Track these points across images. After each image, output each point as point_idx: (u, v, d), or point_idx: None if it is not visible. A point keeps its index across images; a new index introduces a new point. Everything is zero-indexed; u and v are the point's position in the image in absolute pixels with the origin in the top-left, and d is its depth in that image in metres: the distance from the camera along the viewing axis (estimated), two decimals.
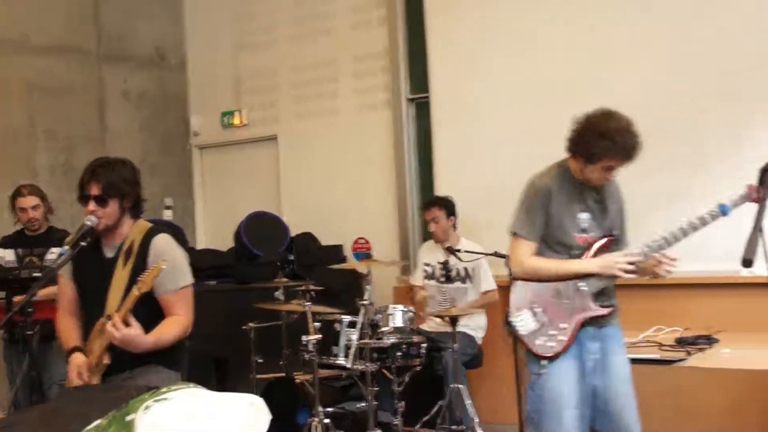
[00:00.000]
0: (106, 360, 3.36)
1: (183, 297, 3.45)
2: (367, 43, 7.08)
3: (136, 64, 7.79)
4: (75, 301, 3.58)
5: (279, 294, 5.71)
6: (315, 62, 7.41)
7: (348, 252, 7.11)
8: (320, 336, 4.90)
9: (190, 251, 7.11)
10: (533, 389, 3.55)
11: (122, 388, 2.78)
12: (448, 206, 5.79)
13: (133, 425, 1.72)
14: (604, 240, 3.57)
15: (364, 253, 6.99)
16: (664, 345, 4.50)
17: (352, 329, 4.98)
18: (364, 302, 4.98)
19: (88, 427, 1.86)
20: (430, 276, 5.85)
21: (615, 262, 3.46)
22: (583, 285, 3.50)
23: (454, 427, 5.03)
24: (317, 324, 4.96)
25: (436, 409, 5.10)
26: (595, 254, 3.54)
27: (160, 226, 3.60)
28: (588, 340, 3.53)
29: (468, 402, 4.96)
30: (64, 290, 3.60)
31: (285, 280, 5.81)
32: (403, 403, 4.95)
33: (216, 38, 8.05)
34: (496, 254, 5.08)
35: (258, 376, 5.72)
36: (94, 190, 3.40)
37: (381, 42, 6.98)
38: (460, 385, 4.97)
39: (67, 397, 2.77)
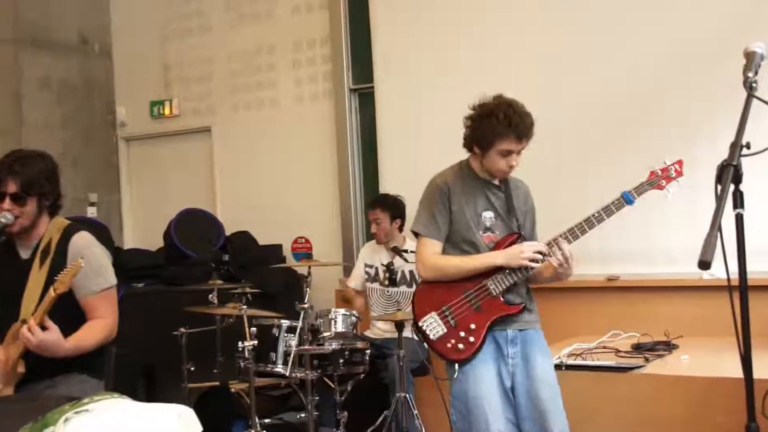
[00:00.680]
0: (21, 368, 3.28)
1: (105, 299, 3.40)
2: (308, 29, 7.05)
3: (57, 50, 7.65)
4: None
5: (213, 297, 5.65)
6: (252, 49, 7.36)
7: (287, 252, 7.07)
8: (257, 342, 4.87)
9: (117, 251, 7.04)
10: (455, 396, 3.59)
11: (39, 398, 2.73)
12: (393, 208, 5.77)
13: None
14: (513, 237, 3.64)
15: (304, 253, 6.97)
16: (621, 351, 4.52)
17: (292, 334, 4.94)
18: (304, 306, 4.93)
19: None
20: (372, 278, 5.84)
21: (520, 251, 3.55)
22: (489, 282, 3.58)
23: None
24: (254, 329, 4.93)
25: (381, 419, 5.08)
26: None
27: (79, 224, 3.54)
28: (506, 343, 3.59)
29: (415, 412, 4.94)
30: None
31: (219, 282, 5.76)
32: (345, 413, 4.95)
33: (144, 22, 7.95)
34: None
35: (190, 385, 5.66)
36: (11, 188, 3.33)
37: (322, 28, 6.95)
38: (407, 394, 4.96)
39: None
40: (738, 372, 2.42)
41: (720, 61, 4.99)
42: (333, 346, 4.90)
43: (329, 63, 6.94)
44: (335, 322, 5.10)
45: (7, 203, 3.32)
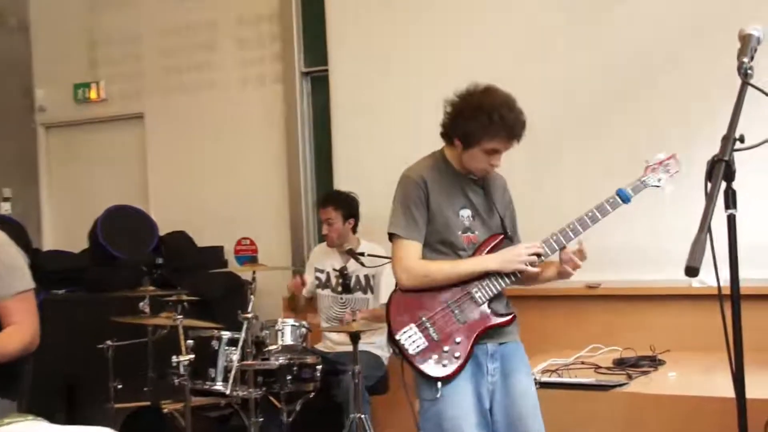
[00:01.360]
0: None
1: (22, 304, 3.37)
2: (254, 3, 7.03)
3: None
4: None
5: (144, 305, 5.61)
6: (189, 25, 7.32)
7: (229, 255, 7.07)
8: (194, 356, 4.84)
9: (34, 252, 6.96)
10: (428, 419, 3.57)
11: None
12: (346, 207, 5.76)
13: None
14: (498, 239, 3.67)
15: (248, 256, 6.95)
16: (602, 367, 4.54)
17: (233, 348, 4.94)
18: (248, 315, 4.92)
19: None
20: (323, 284, 5.82)
21: (517, 254, 3.57)
22: (474, 290, 3.57)
23: None
24: (190, 341, 4.91)
25: None
26: (490, 252, 3.64)
27: None
28: (485, 358, 3.60)
29: None
30: None
31: (151, 288, 5.72)
32: None
33: None
34: None
35: (116, 405, 5.62)
36: None
37: (270, 3, 6.94)
38: (363, 415, 4.95)
39: None
40: (730, 391, 2.44)
41: (720, 47, 5.04)
42: (280, 361, 4.89)
43: (278, 42, 6.92)
44: (282, 333, 5.09)
45: None
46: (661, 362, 4.63)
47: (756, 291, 4.65)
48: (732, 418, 2.43)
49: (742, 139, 2.41)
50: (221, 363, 4.96)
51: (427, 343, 3.54)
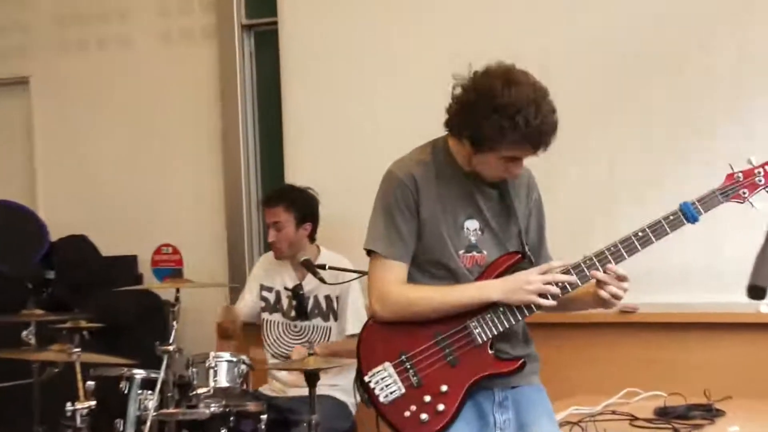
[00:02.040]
0: None
1: None
2: None
3: None
4: None
5: (28, 334, 5.58)
6: None
7: (145, 267, 7.06)
8: (95, 403, 4.80)
9: None
10: None
11: None
12: (300, 207, 5.75)
13: None
14: (513, 259, 3.63)
15: (170, 269, 6.89)
16: (639, 419, 4.56)
17: (149, 392, 4.95)
18: (169, 348, 4.90)
19: None
20: (271, 308, 5.85)
21: (526, 281, 3.51)
22: (474, 324, 3.54)
23: None
24: (91, 383, 4.87)
25: None
26: (499, 276, 3.60)
27: None
28: (492, 408, 3.60)
29: None
30: None
31: (39, 311, 5.72)
32: None
33: None
34: None
35: None
36: None
37: None
38: None
39: None
40: None
41: None
42: (212, 409, 4.88)
43: None
44: (215, 372, 5.08)
45: None
46: (720, 413, 4.63)
47: None
48: None
49: None
50: (132, 412, 4.96)
51: (403, 390, 3.54)
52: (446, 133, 3.65)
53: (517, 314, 3.54)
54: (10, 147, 7.65)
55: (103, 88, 7.28)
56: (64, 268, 6.84)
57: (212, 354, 5.19)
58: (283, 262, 5.80)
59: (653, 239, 3.50)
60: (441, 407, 3.49)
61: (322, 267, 5.44)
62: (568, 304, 3.66)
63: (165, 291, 5.95)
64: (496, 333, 3.54)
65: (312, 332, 5.67)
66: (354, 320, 5.59)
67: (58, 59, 7.45)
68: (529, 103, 3.38)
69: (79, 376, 4.87)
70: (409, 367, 3.53)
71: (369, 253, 3.64)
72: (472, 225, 3.61)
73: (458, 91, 3.55)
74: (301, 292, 5.44)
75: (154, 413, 4.84)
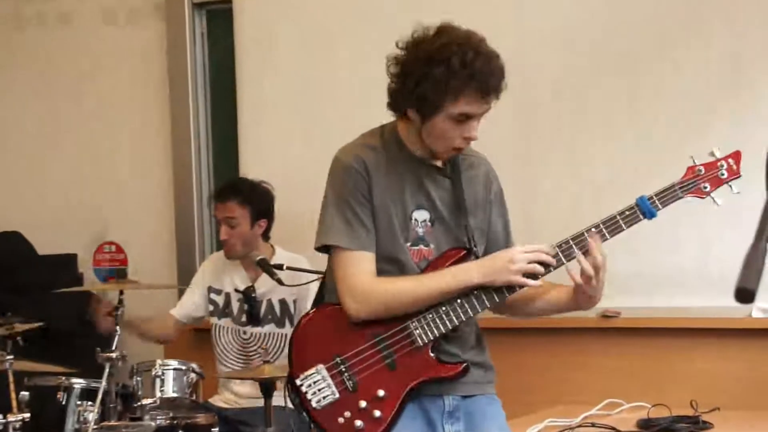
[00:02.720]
0: None
1: None
2: None
3: None
4: None
5: None
6: None
7: (86, 266, 7.02)
8: (29, 415, 4.83)
9: None
10: None
11: None
12: (256, 202, 5.79)
13: None
14: (458, 255, 3.63)
15: (113, 268, 6.84)
16: (621, 431, 4.58)
17: (89, 402, 4.94)
18: (111, 355, 4.88)
19: None
20: (220, 312, 5.84)
21: (510, 260, 3.49)
22: (414, 325, 3.54)
23: None
24: (25, 393, 4.91)
25: None
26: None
27: None
28: (443, 419, 3.62)
29: None
30: None
31: None
32: None
33: None
34: None
35: None
36: None
37: None
38: None
39: None
40: None
41: None
42: (158, 422, 4.92)
43: None
44: (162, 381, 5.13)
45: None
46: (707, 425, 4.65)
47: None
48: None
49: None
50: (71, 424, 4.98)
51: (337, 395, 3.56)
52: (394, 119, 3.67)
53: (461, 314, 3.54)
54: None
55: (41, 71, 7.28)
56: None
57: (159, 361, 5.20)
58: (233, 262, 5.82)
59: (608, 236, 3.50)
60: (377, 413, 3.53)
61: (280, 267, 5.42)
62: (529, 304, 3.72)
63: (108, 292, 5.93)
64: (437, 334, 3.54)
65: (264, 340, 5.67)
66: None
67: None
68: (461, 44, 3.42)
69: (12, 386, 4.87)
70: (344, 370, 3.56)
71: (326, 249, 3.62)
72: (420, 216, 3.63)
73: (393, 67, 3.57)
74: (253, 295, 5.44)
75: (95, 426, 4.85)
